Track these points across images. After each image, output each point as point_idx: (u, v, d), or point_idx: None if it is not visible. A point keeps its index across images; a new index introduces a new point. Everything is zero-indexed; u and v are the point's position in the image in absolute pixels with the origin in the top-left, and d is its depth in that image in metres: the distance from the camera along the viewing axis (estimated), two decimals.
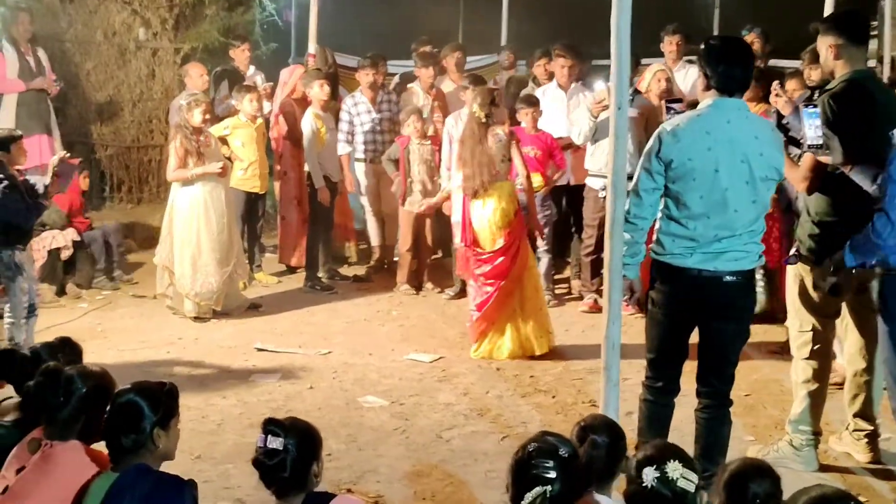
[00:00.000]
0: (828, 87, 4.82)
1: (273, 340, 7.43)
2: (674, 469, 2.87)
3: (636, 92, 7.89)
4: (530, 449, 3.05)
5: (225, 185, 8.13)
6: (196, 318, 7.88)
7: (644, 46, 8.75)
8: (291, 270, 9.37)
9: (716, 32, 12.61)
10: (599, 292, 8.15)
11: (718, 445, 4.55)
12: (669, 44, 9.05)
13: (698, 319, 4.50)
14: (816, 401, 5.13)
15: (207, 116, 8.01)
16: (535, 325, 7.00)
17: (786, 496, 2.80)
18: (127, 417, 3.34)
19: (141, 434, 3.33)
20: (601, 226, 7.98)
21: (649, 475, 2.87)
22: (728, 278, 4.38)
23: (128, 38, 10.44)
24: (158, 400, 3.41)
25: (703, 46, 4.44)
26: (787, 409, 5.88)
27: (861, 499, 3.22)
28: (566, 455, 3.02)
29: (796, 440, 5.15)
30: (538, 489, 2.94)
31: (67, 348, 4.12)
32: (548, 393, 6.38)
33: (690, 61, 9.61)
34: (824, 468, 5.17)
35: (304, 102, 9.07)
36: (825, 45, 4.84)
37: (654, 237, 4.53)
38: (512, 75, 10.39)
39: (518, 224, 7.03)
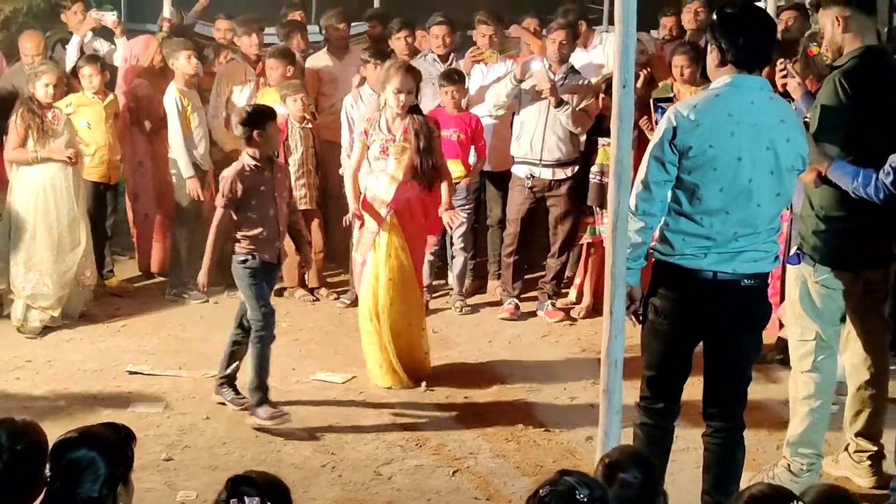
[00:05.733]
0: (838, 63, 4.79)
1: (146, 361, 6.99)
2: None
3: (572, 69, 7.81)
4: (543, 494, 2.87)
5: (76, 174, 7.68)
6: (22, 328, 7.46)
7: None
8: (149, 276, 8.85)
9: None
10: (520, 297, 8.06)
11: (733, 474, 4.50)
12: (688, 13, 8.89)
13: (709, 330, 4.41)
14: (819, 419, 5.11)
15: (52, 91, 7.50)
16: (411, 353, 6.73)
17: None
18: (81, 477, 2.95)
19: (100, 496, 2.96)
20: (525, 221, 7.91)
21: None
22: (746, 282, 4.31)
23: None
24: (117, 450, 3.05)
25: (717, 16, 4.33)
26: (765, 427, 5.94)
27: None
28: (584, 499, 2.84)
29: (795, 465, 5.12)
30: None
31: None
32: (490, 417, 6.19)
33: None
34: None
35: (159, 76, 8.60)
36: (831, 17, 4.83)
37: (659, 236, 4.40)
38: None
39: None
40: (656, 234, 4.41)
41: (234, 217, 6.06)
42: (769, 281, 4.50)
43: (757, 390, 6.32)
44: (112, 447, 3.04)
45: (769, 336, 6.77)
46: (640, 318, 4.53)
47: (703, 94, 4.33)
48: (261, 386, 5.99)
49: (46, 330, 7.50)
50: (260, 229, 6.06)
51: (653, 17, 9.81)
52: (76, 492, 2.96)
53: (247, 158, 6.07)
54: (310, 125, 8.23)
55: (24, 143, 7.43)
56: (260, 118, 6.07)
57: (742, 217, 4.23)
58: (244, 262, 6.08)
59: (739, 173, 4.19)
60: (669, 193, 4.31)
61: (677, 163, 4.21)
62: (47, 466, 3.01)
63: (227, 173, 6.07)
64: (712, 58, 4.30)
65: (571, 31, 7.78)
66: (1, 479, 3.08)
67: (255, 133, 5.99)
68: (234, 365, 6.27)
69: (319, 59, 9.14)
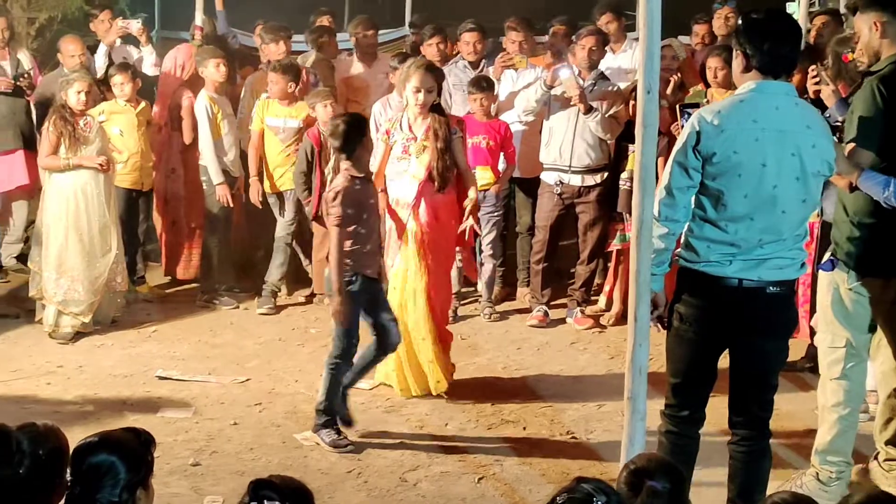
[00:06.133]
0: (875, 69, 4.76)
1: (176, 367, 7.04)
2: None
3: (602, 76, 7.80)
4: (560, 501, 2.88)
5: (108, 181, 7.74)
6: (54, 333, 7.51)
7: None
8: (180, 283, 8.91)
9: None
10: (549, 304, 8.05)
11: (759, 483, 4.46)
12: (719, 18, 8.90)
13: (734, 337, 4.37)
14: (847, 427, 5.07)
15: (84, 98, 7.57)
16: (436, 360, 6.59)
17: None
18: (101, 482, 2.98)
19: (120, 500, 2.98)
20: (554, 228, 7.90)
21: None
22: (771, 289, 4.28)
23: None
24: (137, 455, 3.07)
25: (742, 21, 4.32)
26: (795, 436, 5.89)
27: None
28: None
29: (823, 473, 5.08)
30: None
31: None
32: (517, 424, 6.19)
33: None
34: None
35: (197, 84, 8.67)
36: (868, 22, 4.81)
37: (683, 242, 4.39)
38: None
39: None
40: (681, 240, 4.39)
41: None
42: (796, 288, 4.47)
43: (787, 399, 6.32)
44: (132, 452, 3.06)
45: (800, 344, 6.75)
46: (665, 324, 4.51)
47: (728, 100, 4.32)
48: (328, 409, 5.87)
49: (78, 335, 7.56)
50: (368, 244, 5.86)
51: (685, 23, 9.81)
52: (96, 496, 2.98)
53: (352, 171, 5.81)
54: None
55: (56, 150, 7.52)
56: (356, 130, 5.86)
57: (767, 224, 4.21)
58: (348, 282, 5.82)
59: (764, 179, 4.16)
60: (694, 199, 4.30)
61: (701, 168, 4.20)
62: (68, 471, 3.03)
63: (338, 189, 5.76)
64: (737, 63, 4.28)
65: (601, 38, 7.77)
66: (23, 484, 3.10)
67: (352, 145, 5.79)
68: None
69: (349, 66, 9.18)
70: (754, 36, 4.21)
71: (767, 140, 4.15)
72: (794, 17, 7.65)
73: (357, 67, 9.15)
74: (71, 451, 3.13)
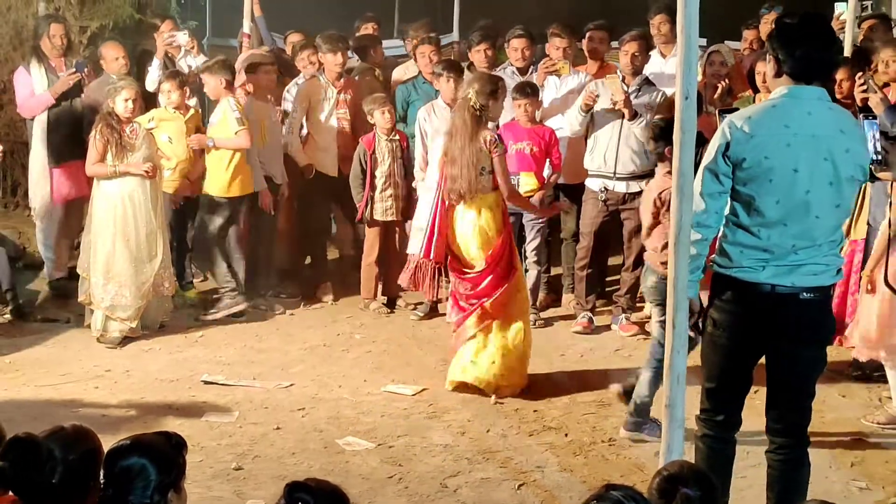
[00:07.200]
0: None
1: (221, 372, 7.14)
2: None
3: (647, 81, 7.80)
4: None
5: (155, 188, 7.86)
6: (102, 338, 7.65)
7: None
8: None
9: None
10: (594, 310, 8.05)
11: (798, 492, 4.43)
12: (766, 24, 8.92)
13: (768, 343, 4.38)
14: None
15: (131, 105, 7.68)
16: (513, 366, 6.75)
17: None
18: (132, 484, 3.05)
19: (152, 502, 3.05)
20: (598, 234, 7.91)
21: None
22: (805, 295, 4.28)
23: (25, 13, 9.94)
24: (168, 458, 3.14)
25: (775, 26, 4.33)
26: (839, 445, 5.85)
27: None
28: None
29: None
30: None
31: None
32: (559, 430, 6.21)
33: None
34: None
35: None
36: None
37: (717, 247, 4.40)
38: None
39: (501, 244, 6.70)
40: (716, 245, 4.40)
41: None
42: (832, 294, 4.46)
43: (832, 407, 6.30)
44: (163, 455, 3.13)
45: (847, 353, 6.71)
46: (700, 329, 4.51)
47: (759, 106, 4.33)
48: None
49: (126, 340, 7.70)
50: None
51: (735, 28, 9.80)
52: (128, 498, 3.05)
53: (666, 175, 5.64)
54: (397, 136, 8.32)
55: (103, 157, 7.65)
56: (669, 133, 5.86)
57: (800, 229, 4.21)
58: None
59: (796, 185, 4.17)
60: (727, 206, 4.30)
61: (731, 174, 4.22)
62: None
63: (663, 190, 5.68)
64: (770, 68, 4.30)
65: (644, 43, 7.78)
66: (57, 489, 3.18)
67: (668, 149, 5.60)
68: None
69: (409, 71, 9.24)
70: (786, 41, 4.22)
71: (800, 145, 4.15)
72: (843, 17, 7.64)
73: (414, 70, 9.20)
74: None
